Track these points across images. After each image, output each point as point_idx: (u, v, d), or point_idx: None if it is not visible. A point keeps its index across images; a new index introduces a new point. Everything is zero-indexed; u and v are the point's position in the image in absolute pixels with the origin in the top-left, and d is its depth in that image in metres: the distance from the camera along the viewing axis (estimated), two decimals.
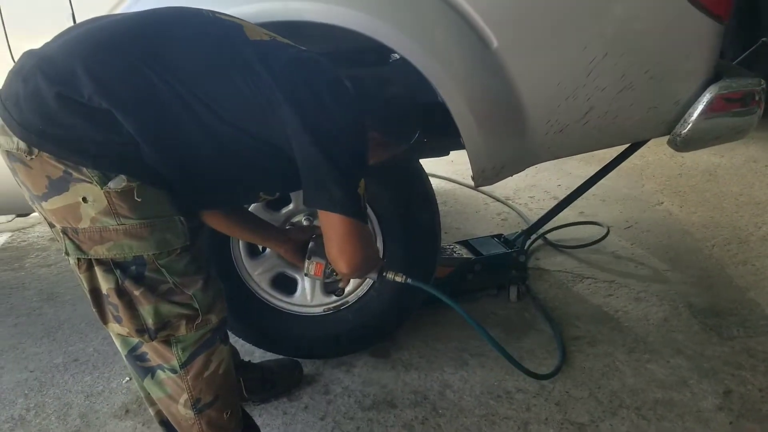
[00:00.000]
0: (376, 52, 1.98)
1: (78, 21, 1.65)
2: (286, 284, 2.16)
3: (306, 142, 1.28)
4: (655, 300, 2.59)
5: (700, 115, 1.92)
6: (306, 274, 1.70)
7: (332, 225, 1.36)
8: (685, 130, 1.94)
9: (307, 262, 1.67)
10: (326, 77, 1.37)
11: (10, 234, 3.54)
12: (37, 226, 3.58)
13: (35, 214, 1.45)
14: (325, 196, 1.32)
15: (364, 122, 1.39)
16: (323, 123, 1.30)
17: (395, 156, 1.66)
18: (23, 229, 3.58)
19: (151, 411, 1.59)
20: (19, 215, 2.35)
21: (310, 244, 1.69)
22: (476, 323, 1.72)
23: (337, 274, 1.64)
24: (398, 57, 2.06)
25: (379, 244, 2.05)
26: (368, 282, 2.10)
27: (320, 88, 1.33)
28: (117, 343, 1.43)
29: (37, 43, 1.31)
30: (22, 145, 1.21)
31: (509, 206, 3.65)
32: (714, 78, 1.92)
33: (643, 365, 2.17)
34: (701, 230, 3.25)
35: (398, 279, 1.62)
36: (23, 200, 1.34)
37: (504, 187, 3.77)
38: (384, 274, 1.60)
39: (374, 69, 2.05)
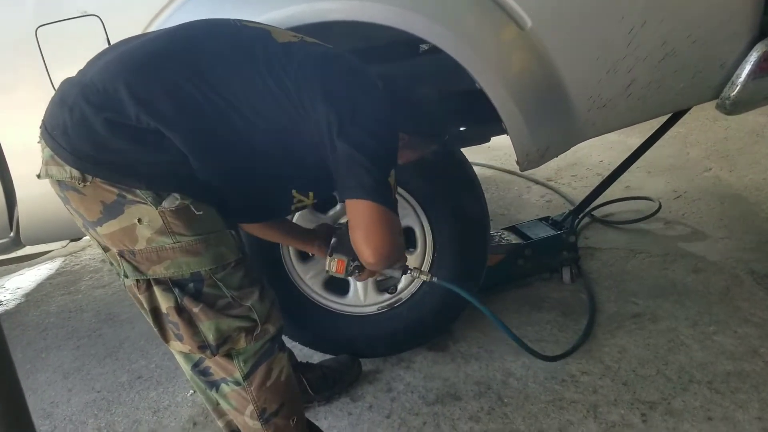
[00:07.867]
0: (406, 44, 1.96)
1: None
2: (339, 285, 2.15)
3: (338, 134, 1.28)
4: (714, 270, 2.52)
5: (748, 75, 1.85)
6: (327, 272, 1.62)
7: (360, 212, 1.31)
8: (734, 93, 1.88)
9: (328, 259, 1.61)
10: (355, 71, 1.38)
11: (63, 259, 3.63)
12: (88, 249, 3.66)
13: (87, 237, 1.47)
14: (354, 184, 1.29)
15: (395, 119, 1.37)
16: (354, 114, 1.29)
17: (423, 156, 1.64)
18: (75, 252, 3.66)
19: (219, 423, 1.60)
20: (72, 240, 2.39)
21: (332, 240, 1.63)
22: (497, 318, 1.72)
23: (359, 271, 1.60)
24: (427, 47, 2.05)
25: (429, 240, 2.05)
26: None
27: (350, 82, 1.34)
28: (179, 359, 1.45)
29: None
30: (76, 173, 1.22)
31: (551, 188, 3.60)
32: (760, 36, 1.85)
33: (710, 337, 2.11)
34: (754, 193, 3.15)
35: (423, 277, 1.60)
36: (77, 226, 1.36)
37: (545, 168, 3.67)
38: (408, 271, 1.58)
39: (407, 62, 2.04)
